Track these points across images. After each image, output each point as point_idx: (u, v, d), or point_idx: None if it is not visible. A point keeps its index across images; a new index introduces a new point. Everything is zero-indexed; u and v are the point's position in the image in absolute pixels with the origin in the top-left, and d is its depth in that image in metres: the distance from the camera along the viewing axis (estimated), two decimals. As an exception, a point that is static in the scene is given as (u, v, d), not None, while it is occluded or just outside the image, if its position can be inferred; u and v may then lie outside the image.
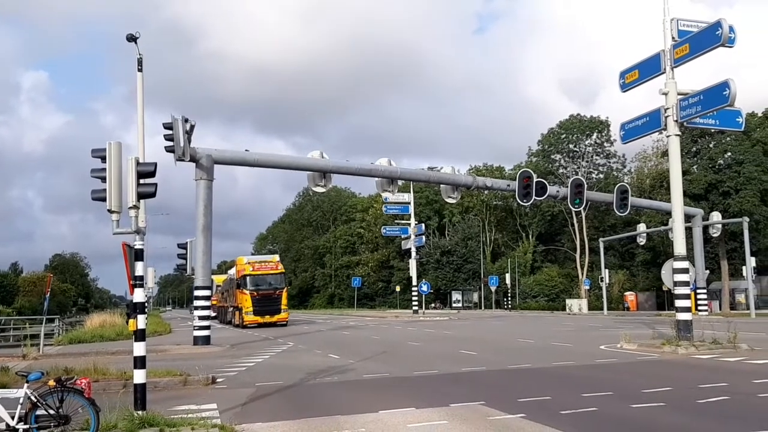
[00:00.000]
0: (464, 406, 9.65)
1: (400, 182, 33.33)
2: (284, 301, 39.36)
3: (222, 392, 12.07)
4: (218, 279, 57.08)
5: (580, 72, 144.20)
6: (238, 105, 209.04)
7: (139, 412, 8.45)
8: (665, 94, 19.07)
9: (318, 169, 28.39)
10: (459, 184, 33.16)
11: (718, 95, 17.54)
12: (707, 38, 17.90)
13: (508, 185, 34.98)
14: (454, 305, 73.07)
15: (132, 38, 12.23)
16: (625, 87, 20.79)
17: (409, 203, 53.71)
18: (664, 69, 19.09)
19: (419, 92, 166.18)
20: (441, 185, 34.34)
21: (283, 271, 41.17)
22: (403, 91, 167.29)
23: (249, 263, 40.54)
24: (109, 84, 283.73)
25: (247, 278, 39.06)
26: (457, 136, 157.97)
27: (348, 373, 14.33)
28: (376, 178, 31.11)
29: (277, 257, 43.90)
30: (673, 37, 18.82)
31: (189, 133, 22.61)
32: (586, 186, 33.92)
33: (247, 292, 38.52)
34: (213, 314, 53.66)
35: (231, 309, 44.84)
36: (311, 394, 11.63)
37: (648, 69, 19.87)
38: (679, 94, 18.82)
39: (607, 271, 55.20)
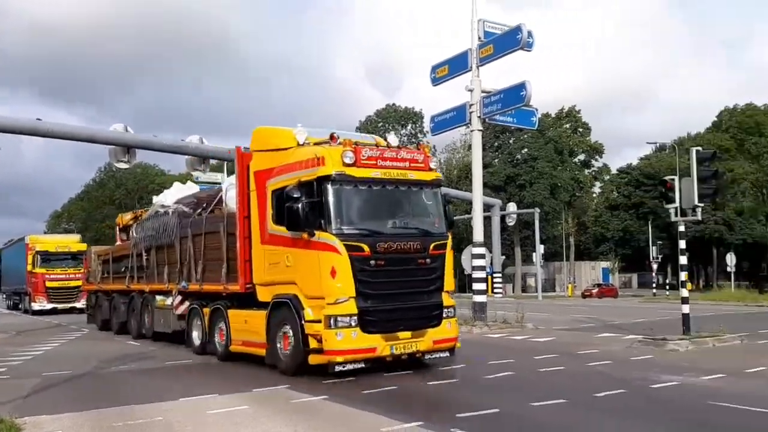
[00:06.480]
0: (269, 390, 9.61)
1: (212, 161, 32.37)
2: (449, 272, 11.48)
3: (2, 383, 10.96)
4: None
5: (385, 61, 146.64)
6: (17, 67, 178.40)
7: None
8: (471, 90, 20.22)
9: (121, 143, 26.61)
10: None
11: (515, 95, 18.92)
12: (509, 41, 19.21)
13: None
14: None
15: None
16: (436, 81, 21.72)
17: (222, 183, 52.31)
18: (471, 67, 20.23)
19: (229, 70, 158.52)
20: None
21: (439, 176, 11.91)
22: (211, 67, 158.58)
23: (341, 144, 10.91)
24: None
25: (329, 189, 10.50)
26: (272, 118, 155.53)
27: (148, 361, 13.66)
28: (186, 156, 29.92)
29: (392, 138, 12.06)
30: (479, 38, 19.96)
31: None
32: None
33: (334, 243, 10.27)
34: (78, 305, 31.13)
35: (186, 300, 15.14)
36: (106, 383, 10.95)
37: (457, 65, 20.93)
38: (482, 91, 20.06)
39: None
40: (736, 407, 8.00)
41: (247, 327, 12.19)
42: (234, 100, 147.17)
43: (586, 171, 68.10)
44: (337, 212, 10.38)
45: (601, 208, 71.68)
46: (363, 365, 10.24)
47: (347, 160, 10.47)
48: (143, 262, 18.03)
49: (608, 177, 71.72)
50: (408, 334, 10.59)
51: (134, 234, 19.37)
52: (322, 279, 10.25)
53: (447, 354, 11.33)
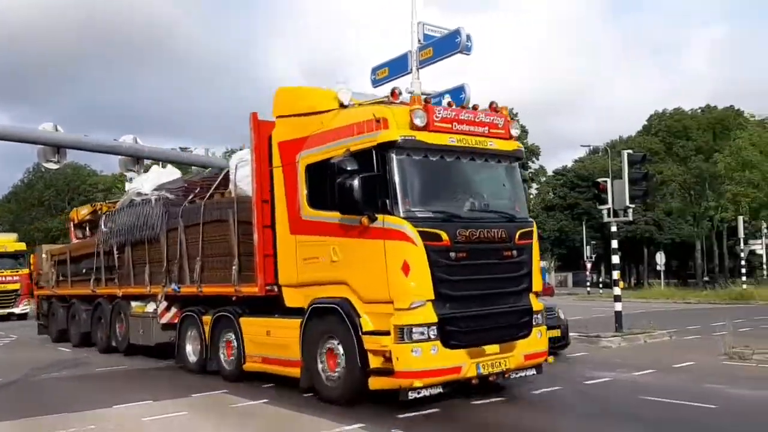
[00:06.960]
0: (207, 395, 9.45)
1: (147, 162, 31.64)
2: (537, 268, 9.15)
3: None
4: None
5: (327, 62, 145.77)
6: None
7: None
8: (411, 92, 20.33)
9: (51, 143, 25.65)
10: (212, 167, 32.33)
11: (455, 98, 18.88)
12: (448, 44, 19.33)
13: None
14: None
15: None
16: (376, 83, 21.61)
17: (159, 185, 51.10)
18: (411, 69, 20.34)
19: (165, 67, 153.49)
20: (193, 167, 33.24)
21: (521, 147, 9.48)
22: (147, 65, 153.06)
23: (403, 103, 8.67)
24: None
25: (395, 160, 8.04)
26: (210, 119, 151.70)
27: (80, 367, 13.22)
28: (120, 157, 29.15)
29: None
30: (419, 40, 20.10)
31: None
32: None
33: (405, 228, 7.78)
34: (17, 310, 28.92)
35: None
36: (37, 391, 10.54)
37: (397, 67, 20.90)
38: (422, 94, 20.16)
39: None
40: (665, 401, 8.30)
41: (270, 340, 9.55)
42: (173, 100, 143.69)
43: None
44: (406, 189, 7.94)
45: (537, 208, 73.17)
46: (441, 390, 7.75)
47: (418, 122, 8.00)
48: (114, 261, 14.94)
49: (544, 178, 73.43)
50: (496, 347, 8.11)
51: (103, 228, 15.75)
52: (391, 276, 7.70)
53: (534, 372, 8.73)
